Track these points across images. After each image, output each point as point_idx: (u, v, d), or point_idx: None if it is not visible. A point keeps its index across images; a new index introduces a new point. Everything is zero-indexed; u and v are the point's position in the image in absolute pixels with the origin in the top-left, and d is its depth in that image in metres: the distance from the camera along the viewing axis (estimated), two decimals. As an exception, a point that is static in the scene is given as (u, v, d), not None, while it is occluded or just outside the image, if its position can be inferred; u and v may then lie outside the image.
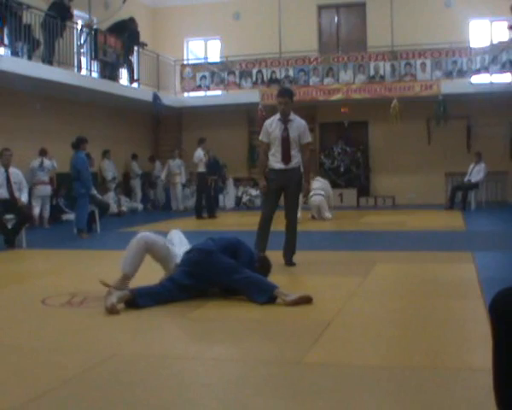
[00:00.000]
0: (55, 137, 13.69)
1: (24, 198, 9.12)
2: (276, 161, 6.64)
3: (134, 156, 16.69)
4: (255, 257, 5.21)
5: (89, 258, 8.22)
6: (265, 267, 5.27)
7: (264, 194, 6.79)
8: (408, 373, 3.17)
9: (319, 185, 12.82)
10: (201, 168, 13.62)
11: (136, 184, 16.70)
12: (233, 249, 5.06)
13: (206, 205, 13.82)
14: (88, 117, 14.77)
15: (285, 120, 6.64)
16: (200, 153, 13.58)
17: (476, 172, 15.10)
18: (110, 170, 15.31)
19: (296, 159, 6.66)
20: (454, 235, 9.90)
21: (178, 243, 5.26)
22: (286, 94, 6.76)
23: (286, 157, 6.60)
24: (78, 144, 10.51)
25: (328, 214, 12.85)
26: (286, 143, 6.59)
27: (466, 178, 15.20)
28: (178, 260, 5.06)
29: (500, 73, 15.35)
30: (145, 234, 5.10)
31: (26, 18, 11.76)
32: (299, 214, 11.55)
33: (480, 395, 2.80)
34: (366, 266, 6.45)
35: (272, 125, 6.68)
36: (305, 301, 4.68)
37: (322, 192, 12.78)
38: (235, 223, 12.74)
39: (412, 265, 6.73)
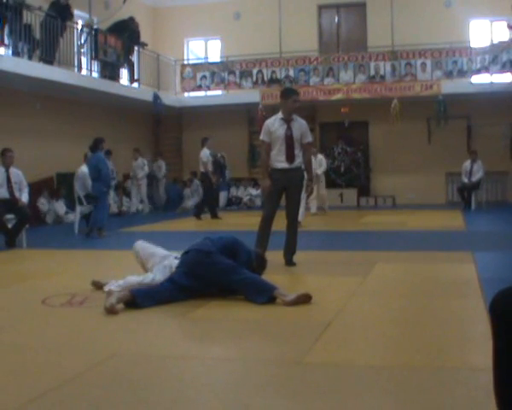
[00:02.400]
0: (55, 137, 13.71)
1: (24, 198, 9.11)
2: (279, 161, 6.62)
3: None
4: (253, 256, 5.22)
5: (89, 258, 8.22)
6: (261, 265, 5.33)
7: (266, 194, 6.77)
8: (408, 373, 3.17)
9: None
10: (210, 168, 13.57)
11: (133, 184, 16.65)
12: (231, 249, 5.06)
13: (210, 206, 13.72)
14: (88, 117, 14.78)
15: (288, 120, 6.64)
16: (206, 152, 13.50)
17: (476, 171, 15.09)
18: None
19: (299, 158, 6.65)
20: (454, 235, 9.90)
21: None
22: (298, 93, 6.94)
23: (290, 156, 6.59)
24: (97, 145, 10.57)
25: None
26: (290, 142, 6.58)
27: (466, 179, 15.16)
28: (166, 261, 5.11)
29: (500, 73, 15.37)
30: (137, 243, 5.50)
31: (27, 18, 11.77)
32: (301, 218, 11.77)
33: (481, 394, 2.79)
34: (366, 266, 6.45)
35: (275, 124, 6.65)
36: (305, 299, 4.68)
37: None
38: (236, 223, 12.73)
39: (412, 265, 6.72)
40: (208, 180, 13.52)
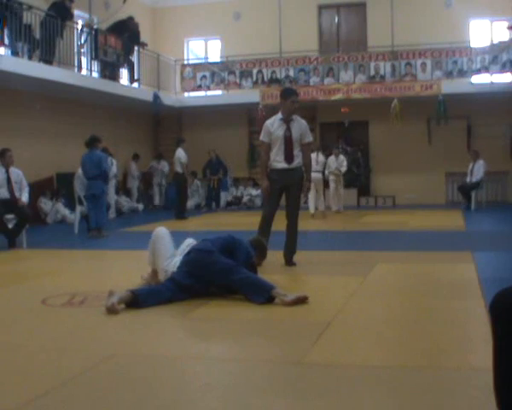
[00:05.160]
0: (55, 137, 13.71)
1: (25, 198, 9.09)
2: (278, 161, 6.63)
3: (135, 156, 16.69)
4: (251, 253, 5.21)
5: (89, 258, 8.23)
6: (261, 250, 5.48)
7: (266, 194, 6.77)
8: (408, 373, 3.17)
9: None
10: (183, 169, 13.52)
11: (134, 184, 16.67)
12: (230, 248, 5.07)
13: (181, 206, 13.64)
14: (88, 117, 14.77)
15: (287, 120, 6.64)
16: (182, 153, 13.46)
17: (476, 171, 15.08)
18: None
19: (298, 159, 6.66)
20: (454, 235, 9.90)
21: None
22: (298, 94, 6.94)
23: (289, 156, 6.60)
24: (93, 142, 10.51)
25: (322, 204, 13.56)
26: (289, 142, 6.59)
27: (468, 179, 15.17)
28: (169, 266, 5.09)
29: (500, 73, 15.37)
30: (158, 228, 5.45)
31: (27, 18, 11.76)
32: (313, 211, 12.88)
33: (481, 394, 2.79)
34: (366, 266, 6.45)
35: (274, 124, 6.66)
36: (303, 301, 4.69)
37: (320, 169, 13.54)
38: (236, 223, 12.73)
39: (412, 265, 6.72)
40: (183, 180, 13.50)
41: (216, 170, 16.52)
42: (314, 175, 12.71)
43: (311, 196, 12.82)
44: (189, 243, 5.34)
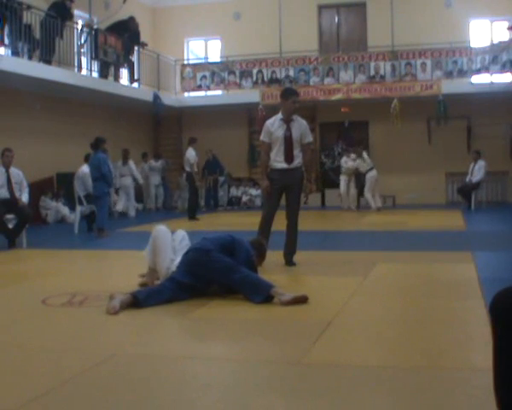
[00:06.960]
0: (55, 137, 13.71)
1: (25, 198, 9.10)
2: (278, 161, 6.63)
3: (144, 155, 16.68)
4: (251, 253, 5.21)
5: (89, 258, 8.23)
6: (261, 251, 5.48)
7: (266, 194, 6.77)
8: (408, 373, 3.17)
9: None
10: (195, 168, 13.51)
11: (152, 183, 16.54)
12: (229, 248, 5.06)
13: (190, 206, 13.64)
14: (88, 117, 14.78)
15: (287, 120, 6.64)
16: (192, 152, 13.45)
17: (476, 172, 15.08)
18: None
19: (298, 159, 6.66)
20: (454, 235, 9.90)
21: (179, 249, 5.27)
22: (298, 94, 6.94)
23: (289, 157, 6.60)
24: (98, 144, 10.59)
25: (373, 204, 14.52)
26: (289, 142, 6.59)
27: (468, 178, 15.18)
28: (171, 265, 5.09)
29: (500, 73, 15.38)
30: (158, 227, 5.32)
31: (27, 18, 11.77)
32: (380, 204, 14.37)
33: (481, 395, 2.79)
34: (366, 266, 6.45)
35: (274, 124, 6.67)
36: (301, 301, 4.68)
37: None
38: (236, 222, 12.73)
39: (412, 265, 6.72)
40: (193, 180, 13.51)
41: (213, 170, 16.52)
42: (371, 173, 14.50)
43: (369, 192, 14.52)
44: (182, 235, 5.41)
